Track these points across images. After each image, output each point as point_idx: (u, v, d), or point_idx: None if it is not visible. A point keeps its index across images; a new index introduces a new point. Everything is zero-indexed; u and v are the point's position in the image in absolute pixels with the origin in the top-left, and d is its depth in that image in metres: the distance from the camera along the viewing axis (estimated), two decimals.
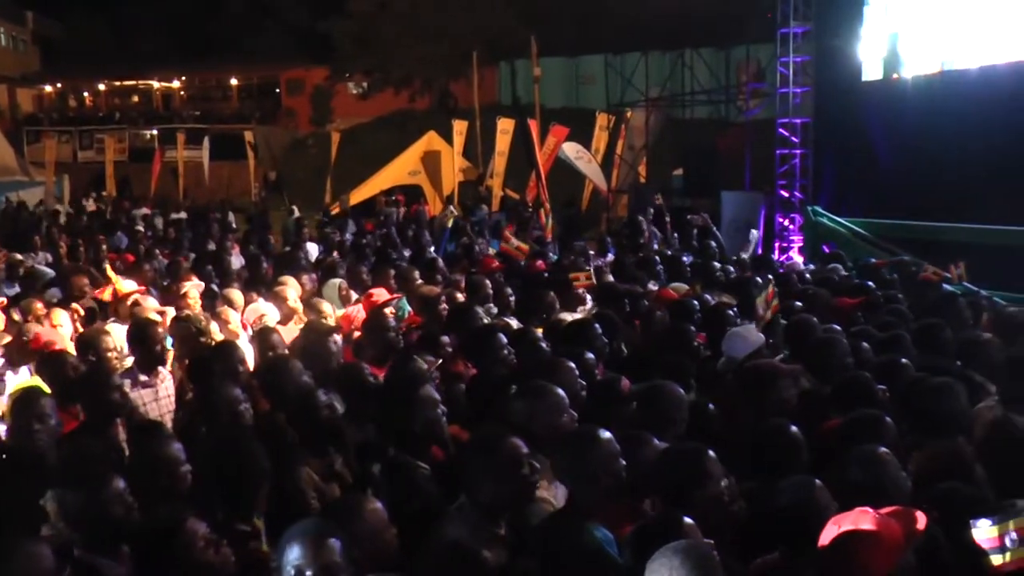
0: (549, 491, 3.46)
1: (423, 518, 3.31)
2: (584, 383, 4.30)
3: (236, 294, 7.10)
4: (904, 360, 4.83)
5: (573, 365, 4.34)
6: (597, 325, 5.49)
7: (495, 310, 6.78)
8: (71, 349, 5.51)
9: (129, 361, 5.41)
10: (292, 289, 6.95)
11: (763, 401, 4.27)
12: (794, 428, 3.67)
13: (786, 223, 14.27)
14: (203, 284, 7.63)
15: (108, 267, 9.28)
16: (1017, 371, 4.49)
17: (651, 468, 3.34)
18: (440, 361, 5.25)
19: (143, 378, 5.19)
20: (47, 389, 4.58)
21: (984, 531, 2.75)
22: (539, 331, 5.61)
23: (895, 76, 12.76)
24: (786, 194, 14.22)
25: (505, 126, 19.14)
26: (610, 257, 10.33)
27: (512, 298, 6.97)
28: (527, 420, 3.64)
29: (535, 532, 3.16)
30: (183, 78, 43.69)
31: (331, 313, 6.76)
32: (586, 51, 30.12)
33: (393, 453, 3.82)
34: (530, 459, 3.21)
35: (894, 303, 6.97)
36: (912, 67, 12.51)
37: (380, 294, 6.55)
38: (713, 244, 10.26)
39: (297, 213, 18.34)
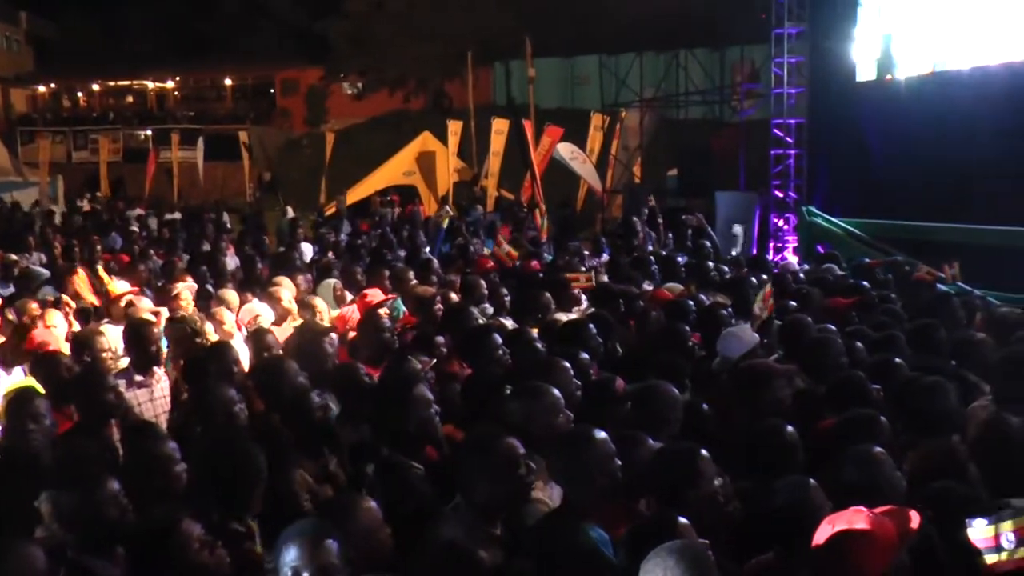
0: (544, 491, 3.46)
1: (417, 518, 3.31)
2: (579, 383, 4.30)
3: (231, 295, 7.08)
4: (898, 360, 4.84)
5: (568, 365, 4.34)
6: (592, 325, 5.50)
7: (490, 310, 6.78)
8: (65, 350, 5.50)
9: (124, 362, 5.40)
10: (287, 290, 6.95)
11: (758, 401, 4.27)
12: (789, 428, 3.67)
13: (780, 223, 14.30)
14: (196, 285, 7.61)
15: (100, 268, 9.26)
16: (1011, 371, 4.49)
17: (645, 468, 3.34)
18: (435, 361, 5.25)
19: (139, 378, 5.18)
20: (41, 390, 4.57)
21: (980, 530, 2.76)
22: (534, 331, 5.62)
23: (888, 77, 12.80)
24: (780, 194, 14.25)
25: (500, 126, 19.16)
26: (605, 257, 10.34)
27: (507, 298, 6.97)
28: (523, 420, 3.64)
29: (531, 532, 3.16)
30: (177, 78, 43.61)
31: (324, 310, 6.76)
32: (581, 51, 30.13)
33: (387, 453, 3.81)
34: (526, 460, 3.21)
35: (888, 303, 6.99)
36: (905, 68, 12.55)
37: (375, 294, 6.55)
38: (708, 244, 10.28)
39: (292, 213, 18.30)
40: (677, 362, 4.98)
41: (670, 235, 12.33)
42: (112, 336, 5.81)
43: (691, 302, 6.44)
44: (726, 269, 8.77)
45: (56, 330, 6.14)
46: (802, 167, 14.09)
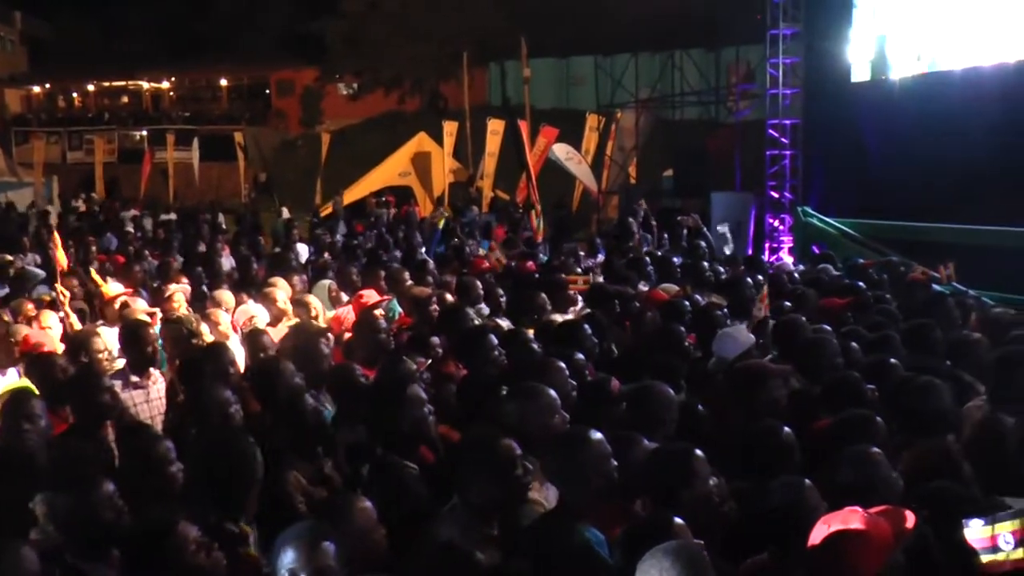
0: (540, 492, 3.46)
1: (412, 519, 3.31)
2: (575, 384, 4.30)
3: (226, 295, 7.08)
4: (893, 360, 4.85)
5: (564, 366, 4.34)
6: (587, 326, 5.50)
7: (486, 311, 6.78)
8: (60, 351, 5.49)
9: (120, 363, 5.39)
10: (282, 290, 6.94)
11: (753, 401, 4.27)
12: (784, 428, 3.67)
13: (776, 224, 14.31)
14: (191, 286, 7.61)
15: (94, 270, 9.25)
16: (1005, 371, 4.51)
17: (641, 469, 3.35)
18: (431, 362, 5.25)
19: (135, 379, 5.17)
20: (36, 391, 4.55)
21: (976, 531, 2.76)
22: (530, 332, 5.62)
23: (883, 77, 12.83)
24: (776, 195, 14.26)
25: (495, 127, 19.18)
26: (600, 258, 10.35)
27: (503, 299, 6.97)
28: (518, 421, 3.64)
29: (527, 533, 3.16)
30: (172, 79, 43.50)
31: (319, 308, 6.75)
32: (576, 52, 30.16)
33: (381, 453, 3.81)
34: (523, 460, 3.21)
35: (883, 303, 6.99)
36: (900, 69, 12.58)
37: (370, 295, 6.56)
38: (703, 244, 10.29)
39: (287, 214, 18.32)
40: (673, 363, 4.98)
41: (665, 236, 12.35)
42: (107, 337, 5.80)
43: (687, 303, 6.44)
44: (721, 269, 8.78)
45: (51, 331, 6.14)
46: (797, 167, 14.11)
